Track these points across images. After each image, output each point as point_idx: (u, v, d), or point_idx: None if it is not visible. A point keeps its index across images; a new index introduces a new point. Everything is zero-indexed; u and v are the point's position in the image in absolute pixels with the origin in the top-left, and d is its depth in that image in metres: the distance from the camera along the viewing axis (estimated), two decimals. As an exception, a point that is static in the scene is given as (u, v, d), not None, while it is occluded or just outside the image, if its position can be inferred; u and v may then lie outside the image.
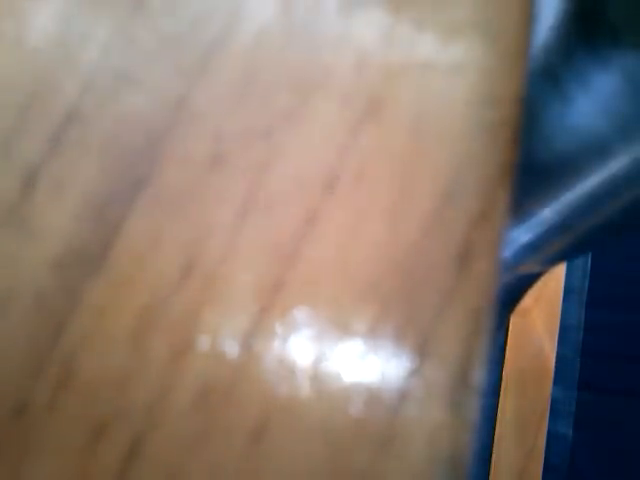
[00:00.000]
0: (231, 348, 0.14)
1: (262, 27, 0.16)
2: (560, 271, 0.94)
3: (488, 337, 0.14)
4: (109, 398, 0.14)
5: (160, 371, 0.14)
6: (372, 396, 0.14)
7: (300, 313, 0.14)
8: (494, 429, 0.89)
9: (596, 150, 0.27)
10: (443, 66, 0.16)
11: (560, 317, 0.93)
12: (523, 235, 0.35)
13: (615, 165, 0.27)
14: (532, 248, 0.36)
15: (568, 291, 0.94)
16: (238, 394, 0.14)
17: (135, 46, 0.16)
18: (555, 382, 0.91)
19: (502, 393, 0.90)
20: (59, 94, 0.15)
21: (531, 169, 0.29)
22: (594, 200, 0.30)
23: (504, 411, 0.90)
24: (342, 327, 0.14)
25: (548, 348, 0.92)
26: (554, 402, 0.91)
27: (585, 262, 0.95)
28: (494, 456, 0.89)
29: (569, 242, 0.35)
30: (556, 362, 0.92)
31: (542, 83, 0.26)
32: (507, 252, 0.37)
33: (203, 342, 0.14)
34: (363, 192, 0.15)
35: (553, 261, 0.40)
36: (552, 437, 0.90)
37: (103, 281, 0.14)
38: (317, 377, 0.14)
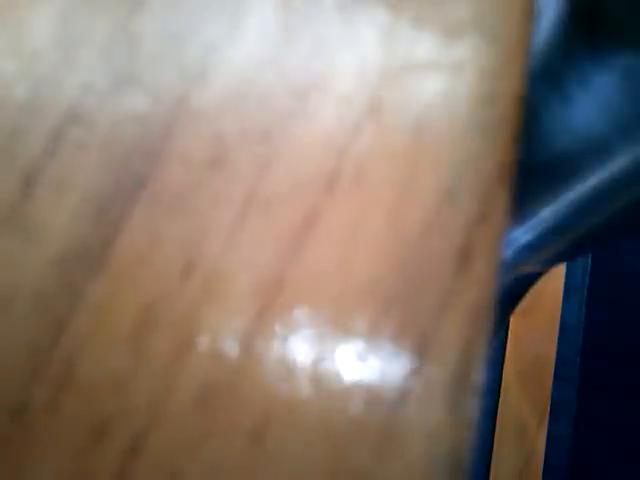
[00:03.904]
0: (231, 348, 0.14)
1: (262, 27, 0.16)
2: (560, 271, 0.94)
3: (488, 337, 0.14)
4: (109, 398, 0.14)
5: (160, 371, 0.14)
6: (372, 396, 0.14)
7: (300, 313, 0.14)
8: (494, 429, 0.89)
9: (596, 150, 0.27)
10: (443, 66, 0.16)
11: (560, 317, 0.93)
12: (523, 235, 0.35)
13: (615, 165, 0.27)
14: (532, 248, 0.36)
15: (568, 291, 0.94)
16: (238, 394, 0.14)
17: (135, 46, 0.16)
18: (555, 382, 0.91)
19: (502, 393, 0.90)
20: (59, 94, 0.15)
21: (531, 169, 0.29)
22: (594, 200, 0.30)
23: (504, 411, 0.90)
24: (342, 327, 0.14)
25: (548, 348, 0.92)
26: (554, 402, 0.91)
27: (585, 262, 0.95)
28: (494, 456, 0.89)
29: (569, 242, 0.35)
30: (556, 362, 0.92)
31: (542, 83, 0.26)
32: (507, 252, 0.37)
33: (203, 342, 0.14)
34: (363, 192, 0.15)
35: (553, 261, 0.40)
36: (552, 437, 0.90)
37: (103, 280, 0.14)
38: (317, 377, 0.14)
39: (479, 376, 0.14)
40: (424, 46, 0.16)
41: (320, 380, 0.14)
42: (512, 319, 0.91)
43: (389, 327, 0.14)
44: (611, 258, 0.95)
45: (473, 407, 0.14)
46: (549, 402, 0.91)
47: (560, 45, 0.25)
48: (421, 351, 0.14)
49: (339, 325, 0.14)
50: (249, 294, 0.14)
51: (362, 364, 0.14)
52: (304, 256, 0.15)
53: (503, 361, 0.91)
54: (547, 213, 0.32)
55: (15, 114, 0.15)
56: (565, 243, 0.35)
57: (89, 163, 0.15)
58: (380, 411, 0.14)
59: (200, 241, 0.15)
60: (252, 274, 0.15)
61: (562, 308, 0.94)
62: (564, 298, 0.94)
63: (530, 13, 0.16)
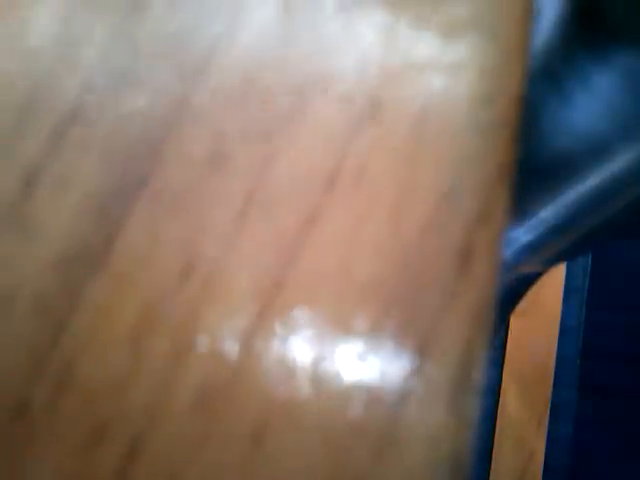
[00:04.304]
0: (231, 348, 0.14)
1: (262, 27, 0.16)
2: (560, 271, 0.94)
3: (488, 337, 0.14)
4: (109, 398, 0.14)
5: (160, 371, 0.14)
6: (372, 396, 0.14)
7: (300, 313, 0.14)
8: (494, 429, 0.89)
9: (596, 149, 0.27)
10: (443, 65, 0.16)
11: (560, 318, 0.93)
12: (523, 235, 0.35)
13: (615, 165, 0.28)
14: (532, 248, 0.36)
15: (568, 291, 0.94)
16: (238, 394, 0.14)
17: (135, 46, 0.16)
18: (555, 383, 0.91)
19: (502, 393, 0.90)
20: (59, 94, 0.15)
21: (531, 169, 0.29)
22: (594, 200, 0.30)
23: (504, 411, 0.90)
24: (342, 327, 0.14)
25: (548, 349, 0.92)
26: (554, 403, 0.91)
27: (585, 262, 0.95)
28: (494, 457, 0.89)
29: (569, 242, 0.35)
30: (556, 363, 0.92)
31: (542, 83, 0.26)
32: (507, 252, 0.37)
33: (203, 342, 0.14)
34: (363, 192, 0.15)
35: (553, 261, 0.40)
36: (552, 438, 0.90)
37: (104, 280, 0.14)
38: (317, 377, 0.14)
39: (479, 376, 0.14)
40: (424, 46, 0.16)
41: (320, 381, 0.14)
42: (512, 320, 0.91)
43: (389, 327, 0.14)
44: (611, 258, 0.95)
45: (474, 407, 0.14)
46: (549, 403, 0.91)
47: (560, 45, 0.25)
48: (422, 351, 0.14)
49: (339, 325, 0.14)
50: (249, 294, 0.14)
51: (362, 364, 0.14)
52: (304, 256, 0.15)
53: (503, 361, 0.91)
54: (547, 213, 0.32)
55: (15, 113, 0.15)
56: (565, 243, 0.35)
57: (90, 162, 0.15)
58: (380, 412, 0.14)
59: (200, 240, 0.15)
60: (252, 274, 0.15)
61: (562, 309, 0.94)
62: (564, 299, 0.94)
63: (530, 13, 0.16)
